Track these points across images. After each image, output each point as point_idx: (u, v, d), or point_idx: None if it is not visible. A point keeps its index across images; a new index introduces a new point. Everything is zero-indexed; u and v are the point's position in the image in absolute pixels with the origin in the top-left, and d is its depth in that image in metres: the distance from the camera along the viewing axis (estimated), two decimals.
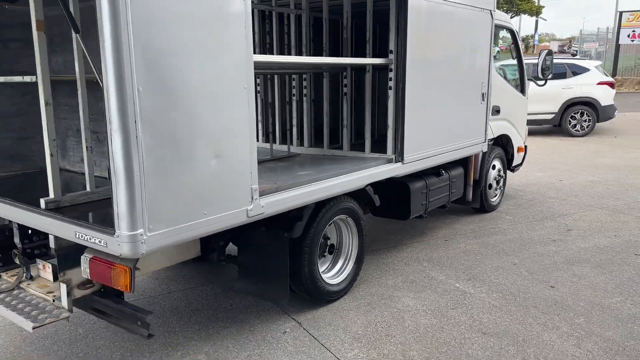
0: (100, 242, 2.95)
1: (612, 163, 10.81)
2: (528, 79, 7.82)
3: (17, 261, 3.75)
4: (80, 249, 3.32)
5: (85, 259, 3.14)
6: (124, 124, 2.75)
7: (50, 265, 3.66)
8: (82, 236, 3.06)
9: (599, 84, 14.27)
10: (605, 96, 14.32)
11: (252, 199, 3.48)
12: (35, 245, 3.78)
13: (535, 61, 7.98)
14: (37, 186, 4.19)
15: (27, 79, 3.62)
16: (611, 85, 14.62)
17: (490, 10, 6.11)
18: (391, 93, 4.87)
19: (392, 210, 5.49)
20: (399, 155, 4.94)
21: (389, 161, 4.93)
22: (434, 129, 5.38)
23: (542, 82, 7.92)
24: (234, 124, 3.32)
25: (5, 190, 3.93)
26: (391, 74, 4.85)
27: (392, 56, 4.81)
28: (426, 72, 5.09)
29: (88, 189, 3.69)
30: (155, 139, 2.87)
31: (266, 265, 4.15)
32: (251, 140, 3.43)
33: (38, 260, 3.75)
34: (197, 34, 3.03)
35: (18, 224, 3.68)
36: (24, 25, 4.45)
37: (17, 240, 3.73)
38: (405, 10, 4.67)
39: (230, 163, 3.31)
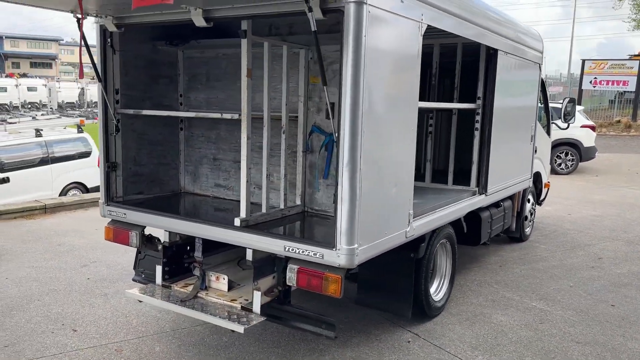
0: (315, 254, 3.50)
1: (605, 199, 11.91)
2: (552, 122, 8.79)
3: (196, 273, 4.21)
4: (269, 260, 3.88)
5: (292, 269, 3.66)
6: (353, 161, 3.35)
7: (224, 277, 4.16)
8: (292, 249, 3.60)
9: (582, 126, 15.59)
10: (587, 138, 15.66)
11: (409, 222, 4.10)
12: (210, 258, 4.28)
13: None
14: (174, 206, 4.74)
15: (227, 116, 4.13)
16: (592, 128, 16.00)
17: (539, 64, 7.03)
18: (477, 133, 5.62)
19: (465, 237, 6.18)
20: (483, 188, 5.66)
21: (474, 193, 5.65)
22: (504, 165, 6.17)
23: (564, 126, 8.89)
24: (405, 158, 3.98)
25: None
26: (477, 117, 5.61)
27: (479, 102, 5.58)
28: (503, 115, 5.88)
29: (264, 210, 4.22)
30: (368, 172, 3.48)
31: (392, 281, 4.74)
32: (412, 171, 4.09)
33: (211, 273, 4.23)
34: (397, 84, 3.70)
35: (202, 239, 4.17)
36: (172, 64, 5.02)
37: (198, 254, 4.21)
38: (495, 63, 5.47)
39: (401, 190, 3.95)
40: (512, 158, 6.48)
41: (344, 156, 3.36)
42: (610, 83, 28.55)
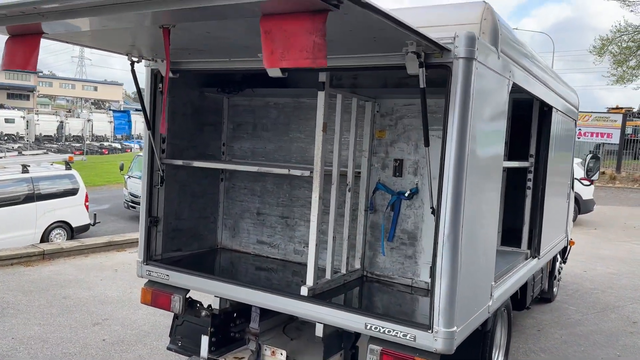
0: (405, 336, 3.10)
1: (613, 255, 11.76)
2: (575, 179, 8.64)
3: (251, 347, 3.75)
4: (336, 335, 3.45)
5: (374, 350, 3.24)
6: (455, 232, 3.02)
7: (282, 352, 3.71)
8: (377, 328, 3.19)
9: (581, 179, 15.62)
10: (586, 191, 15.66)
11: (491, 294, 3.75)
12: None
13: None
14: (215, 265, 4.32)
15: (296, 172, 3.76)
16: (591, 181, 16.04)
17: (575, 120, 6.89)
18: (529, 192, 5.35)
19: (513, 302, 5.83)
20: (536, 251, 5.36)
21: (526, 257, 5.33)
22: (551, 225, 5.89)
23: (587, 183, 8.74)
24: (492, 221, 3.67)
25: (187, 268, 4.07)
26: (529, 175, 5.36)
27: (531, 159, 5.34)
28: (552, 173, 5.65)
29: (329, 276, 3.82)
30: (466, 242, 3.14)
31: (461, 353, 4.32)
32: (495, 236, 3.77)
33: (266, 346, 3.78)
34: (489, 144, 3.41)
35: (260, 309, 3.73)
36: (217, 112, 4.68)
37: (254, 325, 3.76)
38: (550, 121, 5.26)
39: (487, 259, 3.61)
40: (556, 217, 6.22)
41: (445, 226, 3.02)
42: (594, 135, 29.13)
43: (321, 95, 3.53)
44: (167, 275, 4.07)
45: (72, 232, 13.62)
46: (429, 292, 3.09)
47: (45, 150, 35.22)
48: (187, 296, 4.13)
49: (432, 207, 3.15)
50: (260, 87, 4.42)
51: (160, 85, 4.14)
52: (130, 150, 44.71)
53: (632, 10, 26.50)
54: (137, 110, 68.34)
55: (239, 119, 4.88)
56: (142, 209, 4.22)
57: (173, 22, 2.63)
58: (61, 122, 50.48)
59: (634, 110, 34.89)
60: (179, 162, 4.21)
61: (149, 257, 4.22)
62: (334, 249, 3.89)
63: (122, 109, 69.54)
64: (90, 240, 9.27)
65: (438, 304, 3.04)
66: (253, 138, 4.81)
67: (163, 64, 3.90)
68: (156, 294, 4.13)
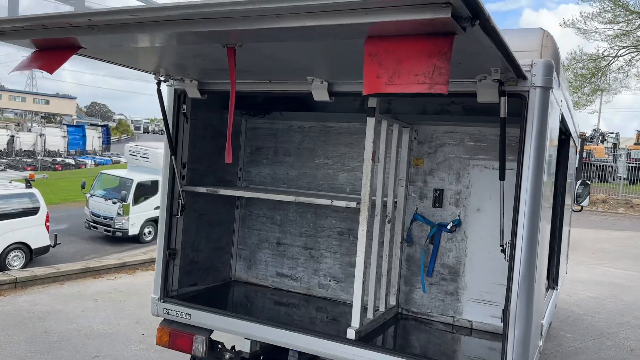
0: None
1: (590, 279, 11.90)
2: None
3: None
4: None
5: None
6: (530, 273, 2.82)
7: None
8: None
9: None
10: None
11: (542, 334, 3.56)
12: None
13: None
14: (235, 301, 4.01)
15: (341, 203, 3.49)
16: (581, 207, 16.33)
17: (577, 147, 6.91)
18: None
19: None
20: (554, 282, 5.25)
21: (546, 288, 5.21)
22: (562, 254, 5.81)
23: (577, 208, 8.79)
24: (546, 257, 3.49)
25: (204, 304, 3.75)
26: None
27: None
28: (566, 202, 5.58)
29: (371, 316, 3.55)
30: (537, 283, 2.94)
31: None
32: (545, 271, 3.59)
33: None
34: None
35: (298, 352, 3.42)
36: (235, 135, 4.38)
37: None
38: (567, 148, 5.19)
39: (540, 297, 3.42)
40: (564, 244, 6.16)
41: (521, 266, 2.82)
42: None
43: (370, 122, 3.30)
44: (189, 315, 3.70)
45: (31, 254, 12.84)
46: (502, 336, 2.86)
47: (2, 167, 33.57)
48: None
49: (501, 245, 2.95)
50: (291, 110, 4.15)
51: (184, 106, 3.82)
52: (85, 166, 43.15)
53: (585, 37, 27.53)
54: (91, 125, 66.35)
55: (258, 142, 4.58)
56: (159, 240, 3.85)
57: (246, 42, 2.35)
58: (11, 136, 48.29)
59: (587, 135, 36.27)
60: (203, 190, 3.87)
61: (166, 294, 3.84)
62: (376, 286, 3.63)
63: (75, 124, 67.38)
64: (65, 266, 8.65)
65: (512, 351, 2.82)
66: (274, 163, 4.52)
67: (191, 84, 3.58)
68: (175, 335, 3.75)
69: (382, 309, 3.81)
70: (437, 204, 3.90)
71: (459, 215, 3.84)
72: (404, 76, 1.90)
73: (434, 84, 1.86)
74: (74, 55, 2.58)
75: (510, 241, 2.86)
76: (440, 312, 3.91)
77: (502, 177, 2.86)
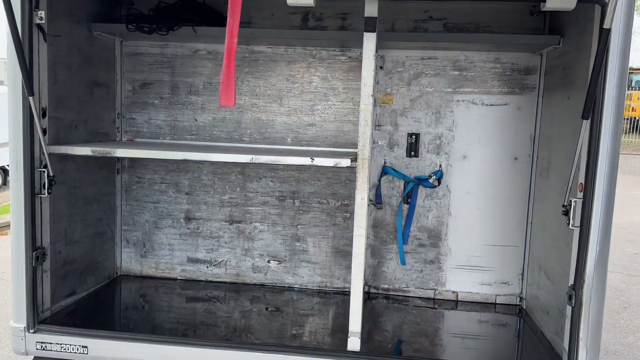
0: None
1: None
2: None
3: None
4: None
5: None
6: (606, 242, 2.16)
7: None
8: None
9: None
10: None
11: None
12: None
13: None
14: (119, 309, 2.84)
15: (328, 162, 2.39)
16: None
17: None
18: None
19: None
20: None
21: None
22: None
23: None
24: None
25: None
26: None
27: None
28: None
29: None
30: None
31: None
32: None
33: None
34: None
35: None
36: (108, 63, 3.01)
37: None
38: None
39: None
40: None
41: (599, 236, 2.13)
42: None
43: (371, 40, 2.23)
44: (85, 348, 2.36)
45: None
46: (572, 320, 2.18)
47: None
48: None
49: (564, 206, 2.22)
50: (198, 24, 2.80)
51: (40, 14, 2.29)
52: None
53: None
54: None
55: (144, 75, 3.15)
56: (15, 238, 2.36)
57: None
58: None
59: None
60: (84, 151, 2.43)
61: (36, 318, 2.41)
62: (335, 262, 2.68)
63: None
64: None
65: (586, 336, 2.16)
66: (172, 106, 3.16)
67: None
68: None
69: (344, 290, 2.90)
70: (412, 153, 3.04)
71: (440, 165, 3.04)
72: None
73: None
74: None
75: (582, 199, 2.13)
76: (419, 285, 3.14)
77: (586, 115, 2.06)
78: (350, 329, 2.36)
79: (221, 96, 1.88)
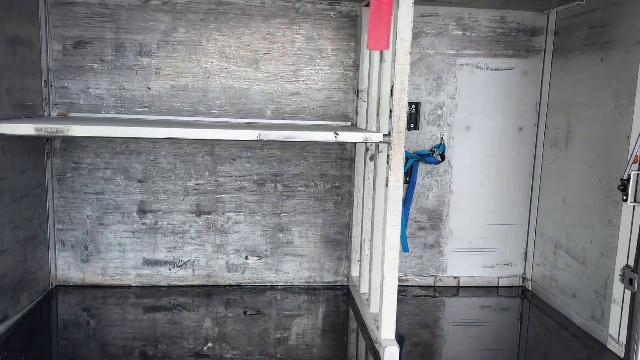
0: None
1: None
2: None
3: None
4: None
5: None
6: None
7: None
8: None
9: None
10: None
11: None
12: None
13: None
14: (64, 331, 2.26)
15: (349, 137, 1.92)
16: None
17: None
18: None
19: None
20: None
21: None
22: None
23: None
24: None
25: None
26: None
27: None
28: None
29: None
30: None
31: None
32: None
33: None
34: None
35: None
36: (30, 14, 2.38)
37: None
38: None
39: None
40: None
41: None
42: None
43: None
44: None
45: None
46: (633, 305, 1.96)
47: None
48: None
49: (622, 179, 1.97)
50: None
51: None
52: None
53: None
54: None
55: (77, 31, 2.45)
56: None
57: None
58: None
59: None
60: (26, 128, 1.76)
61: None
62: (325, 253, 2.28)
63: None
64: None
65: None
66: (116, 70, 2.49)
67: None
68: None
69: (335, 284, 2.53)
70: (412, 125, 2.67)
71: (441, 138, 2.71)
72: None
73: None
74: None
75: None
76: (417, 273, 2.81)
77: None
78: (382, 337, 1.96)
79: (369, 36, 1.50)
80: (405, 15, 1.82)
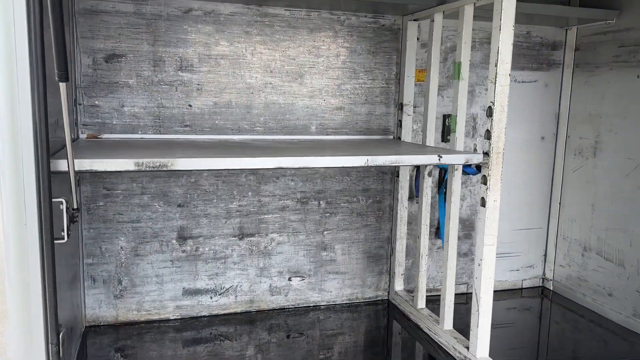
0: None
1: None
2: None
3: None
4: None
5: None
6: None
7: None
8: None
9: None
10: None
11: None
12: None
13: None
14: None
15: (459, 158, 1.89)
16: None
17: None
18: None
19: None
20: None
21: None
22: None
23: None
24: None
25: None
26: None
27: None
28: None
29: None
30: None
31: None
32: None
33: None
34: None
35: None
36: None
37: None
38: None
39: None
40: None
41: None
42: None
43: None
44: None
45: None
46: None
47: None
48: None
49: None
50: None
51: None
52: None
53: None
54: None
55: (110, 44, 2.20)
56: (17, 310, 1.42)
57: None
58: None
59: None
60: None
61: None
62: (368, 270, 2.30)
63: None
64: None
65: None
66: (154, 87, 2.27)
67: None
68: None
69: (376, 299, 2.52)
70: (448, 137, 2.71)
71: (474, 149, 2.77)
72: None
73: None
74: None
75: None
76: None
77: None
78: (478, 356, 1.99)
79: None
80: (506, 38, 1.83)
